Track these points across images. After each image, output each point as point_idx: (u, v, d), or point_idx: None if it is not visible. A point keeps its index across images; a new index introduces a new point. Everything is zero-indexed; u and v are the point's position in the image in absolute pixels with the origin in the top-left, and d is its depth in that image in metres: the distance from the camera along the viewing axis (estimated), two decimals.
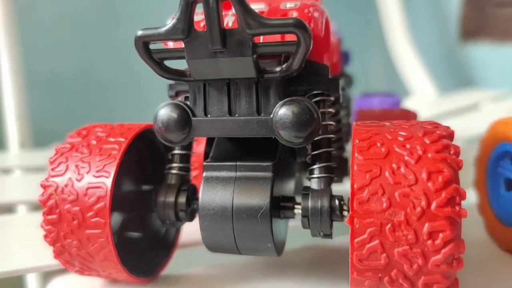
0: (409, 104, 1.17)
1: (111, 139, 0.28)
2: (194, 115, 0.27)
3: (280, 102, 0.25)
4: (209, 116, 0.27)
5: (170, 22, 0.24)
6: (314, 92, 0.29)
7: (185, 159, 0.31)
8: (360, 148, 0.24)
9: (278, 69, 0.25)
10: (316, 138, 0.28)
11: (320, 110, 0.29)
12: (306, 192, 0.27)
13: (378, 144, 0.24)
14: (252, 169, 0.27)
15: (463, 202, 0.22)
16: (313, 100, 0.29)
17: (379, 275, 0.23)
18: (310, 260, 0.34)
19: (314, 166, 0.28)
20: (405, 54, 1.24)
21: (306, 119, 0.25)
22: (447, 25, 1.30)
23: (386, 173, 0.23)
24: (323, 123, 0.28)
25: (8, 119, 0.78)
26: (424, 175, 0.22)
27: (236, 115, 0.26)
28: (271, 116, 0.25)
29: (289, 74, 0.25)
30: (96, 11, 1.00)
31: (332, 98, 0.29)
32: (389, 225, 0.22)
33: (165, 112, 0.27)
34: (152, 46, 0.25)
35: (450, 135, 0.25)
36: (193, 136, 0.27)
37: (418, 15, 1.39)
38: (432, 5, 1.38)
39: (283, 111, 0.25)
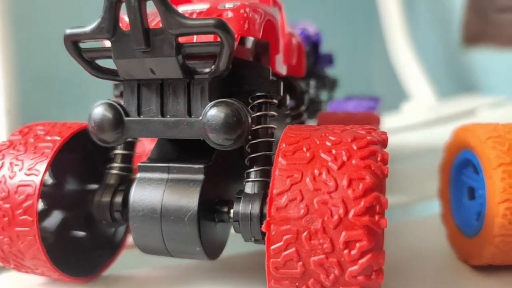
0: (406, 108, 1.15)
1: (48, 138, 0.28)
2: (127, 115, 0.26)
3: (210, 104, 0.25)
4: (142, 116, 0.26)
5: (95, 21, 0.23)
6: (258, 94, 0.28)
7: (127, 159, 0.30)
8: (285, 153, 0.23)
9: (207, 70, 0.25)
10: (254, 141, 0.27)
11: (261, 113, 0.28)
12: (239, 196, 0.26)
13: (304, 149, 0.23)
14: (184, 171, 0.26)
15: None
16: (256, 102, 0.28)
17: (296, 284, 0.22)
18: (256, 265, 0.33)
19: (251, 170, 0.27)
20: (405, 58, 1.23)
21: (233, 122, 0.24)
22: (450, 30, 1.28)
23: (307, 179, 0.22)
24: (264, 126, 0.28)
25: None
26: (344, 182, 0.21)
27: (168, 116, 0.26)
28: (200, 118, 0.25)
29: (219, 75, 0.24)
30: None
31: (275, 101, 0.29)
32: (305, 233, 0.21)
33: (98, 112, 0.26)
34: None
35: (383, 141, 0.24)
36: (126, 136, 0.27)
37: (420, 20, 1.37)
38: (434, 10, 1.35)
39: (211, 113, 0.24)
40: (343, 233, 0.21)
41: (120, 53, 0.24)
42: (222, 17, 0.25)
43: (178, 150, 0.28)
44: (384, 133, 0.25)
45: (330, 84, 0.65)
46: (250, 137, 0.28)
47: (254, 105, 0.28)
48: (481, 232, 0.31)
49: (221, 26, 0.22)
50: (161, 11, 0.22)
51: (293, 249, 0.21)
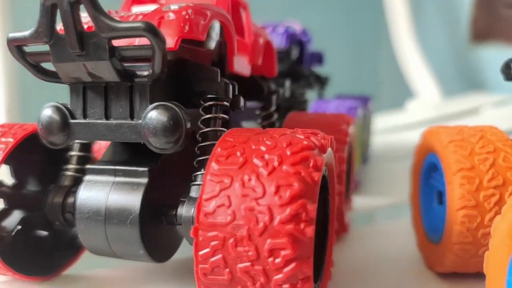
0: (411, 106, 1.13)
1: (3, 139, 0.29)
2: (73, 118, 0.26)
3: (150, 107, 0.25)
4: (87, 119, 0.26)
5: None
6: (209, 96, 0.28)
7: (82, 160, 0.30)
8: (218, 157, 0.23)
9: (146, 73, 0.25)
10: (203, 144, 0.27)
11: (211, 115, 0.28)
12: (183, 199, 0.26)
13: (238, 154, 0.23)
14: (129, 174, 0.26)
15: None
16: (207, 104, 0.28)
17: None
18: None
19: (198, 173, 0.27)
20: (411, 56, 1.20)
21: (170, 125, 0.24)
22: (458, 27, 1.24)
23: (236, 185, 0.22)
24: (213, 128, 0.27)
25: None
26: (272, 189, 0.21)
27: (111, 119, 0.26)
28: (141, 121, 0.25)
29: (157, 78, 0.24)
30: None
31: (225, 103, 0.28)
32: (231, 240, 0.21)
33: (45, 115, 0.26)
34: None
35: (321, 146, 0.23)
36: (72, 139, 0.27)
37: (428, 18, 1.34)
38: (442, 7, 1.32)
39: (149, 116, 0.24)
40: (268, 241, 0.20)
41: (58, 56, 0.24)
42: (164, 19, 0.25)
43: (128, 153, 0.28)
44: (326, 138, 0.24)
45: (320, 82, 0.64)
46: (200, 139, 0.27)
47: (206, 107, 0.28)
48: (442, 239, 0.30)
49: (150, 29, 0.22)
50: (91, 14, 0.22)
51: (220, 256, 0.21)
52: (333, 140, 0.26)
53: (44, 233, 0.33)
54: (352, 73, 1.39)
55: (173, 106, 0.24)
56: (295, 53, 0.54)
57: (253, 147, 0.23)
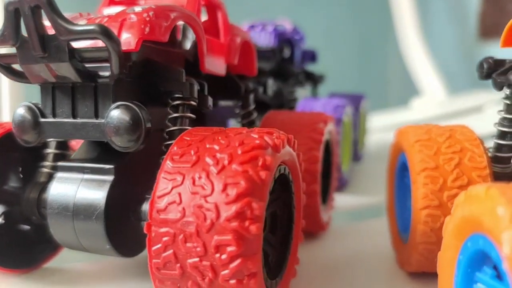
0: (416, 104, 1.11)
1: None
2: (44, 117, 0.28)
3: (112, 106, 0.25)
4: (56, 118, 0.27)
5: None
6: (176, 95, 0.29)
7: (58, 158, 0.32)
8: (173, 156, 0.23)
9: (107, 74, 0.25)
10: (169, 142, 0.28)
11: (178, 114, 0.28)
12: (148, 196, 0.27)
13: (192, 152, 0.23)
14: (97, 172, 0.27)
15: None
16: (174, 103, 0.29)
17: (178, 285, 0.23)
18: None
19: None
20: (417, 54, 1.19)
21: (130, 124, 0.25)
22: (465, 23, 1.22)
23: (187, 183, 0.22)
24: (179, 127, 0.28)
25: (3, 111, 0.83)
26: (220, 187, 0.22)
27: (78, 118, 0.27)
28: (104, 120, 0.26)
29: (119, 79, 0.25)
30: None
31: (192, 102, 0.29)
32: (181, 236, 0.22)
33: (18, 113, 0.28)
34: None
35: (274, 145, 0.24)
36: (43, 137, 0.28)
37: (435, 15, 1.32)
38: (450, 3, 1.29)
39: (111, 115, 0.25)
40: (215, 237, 0.21)
41: (23, 58, 0.25)
42: (126, 21, 0.26)
43: (97, 151, 0.29)
44: (280, 137, 0.24)
45: (313, 81, 0.64)
46: (167, 137, 0.28)
47: (173, 106, 0.29)
48: (409, 238, 0.30)
49: (103, 32, 0.22)
50: (50, 18, 0.23)
51: (171, 251, 0.22)
52: (293, 139, 0.27)
53: (24, 227, 0.34)
54: (359, 71, 1.38)
55: (134, 106, 0.25)
56: (286, 52, 0.55)
57: (207, 146, 0.24)
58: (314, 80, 0.63)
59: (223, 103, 0.39)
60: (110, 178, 0.27)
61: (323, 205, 0.39)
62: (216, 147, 0.23)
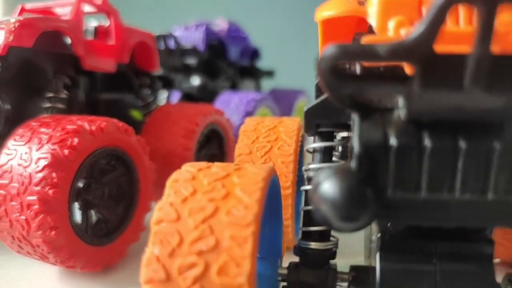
0: None
1: None
2: None
3: None
4: None
5: None
6: (48, 90, 0.36)
7: None
8: (15, 136, 0.30)
9: None
10: None
11: (48, 105, 0.36)
12: None
13: (28, 134, 0.30)
14: None
15: None
16: (47, 96, 0.36)
17: (11, 234, 0.30)
18: None
19: None
20: None
21: None
22: None
23: (18, 157, 0.29)
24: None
25: None
26: (35, 160, 0.28)
27: None
28: None
29: None
30: None
31: (62, 95, 0.36)
32: (9, 196, 0.29)
33: None
34: None
35: (91, 132, 0.30)
36: None
37: None
38: None
39: None
40: (27, 198, 0.28)
41: None
42: None
43: None
44: (100, 125, 0.31)
45: (255, 76, 0.69)
46: None
47: (47, 98, 0.36)
48: None
49: None
50: None
51: (3, 208, 0.29)
52: (124, 127, 0.33)
53: None
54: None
55: None
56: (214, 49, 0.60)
57: (41, 130, 0.30)
58: (256, 75, 0.68)
59: (127, 95, 0.46)
60: None
61: None
62: (46, 130, 0.30)
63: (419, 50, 0.14)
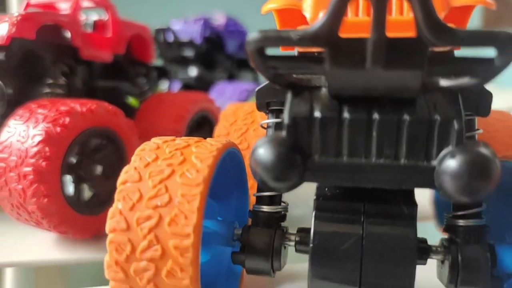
0: None
1: None
2: None
3: None
4: None
5: None
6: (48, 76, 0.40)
7: None
8: (16, 116, 0.34)
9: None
10: None
11: (48, 90, 0.39)
12: None
13: (27, 114, 0.34)
14: None
15: None
16: (47, 82, 0.40)
17: (11, 203, 0.33)
18: None
19: None
20: None
21: None
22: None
23: (17, 133, 0.33)
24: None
25: None
26: (31, 136, 0.32)
27: None
28: None
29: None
30: None
31: (60, 82, 0.40)
32: (8, 168, 0.32)
33: None
34: None
35: (82, 113, 0.34)
36: None
37: None
38: None
39: None
40: (23, 169, 0.32)
41: None
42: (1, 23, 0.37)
43: None
44: (90, 108, 0.34)
45: (252, 68, 0.72)
46: None
47: (47, 84, 0.40)
48: None
49: None
50: None
51: (3, 179, 0.33)
52: (114, 110, 0.36)
53: None
54: None
55: (1, 83, 0.36)
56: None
57: (39, 110, 0.34)
58: (251, 67, 0.70)
59: (123, 84, 0.50)
60: None
61: None
62: (42, 111, 0.34)
63: (324, 36, 0.17)
